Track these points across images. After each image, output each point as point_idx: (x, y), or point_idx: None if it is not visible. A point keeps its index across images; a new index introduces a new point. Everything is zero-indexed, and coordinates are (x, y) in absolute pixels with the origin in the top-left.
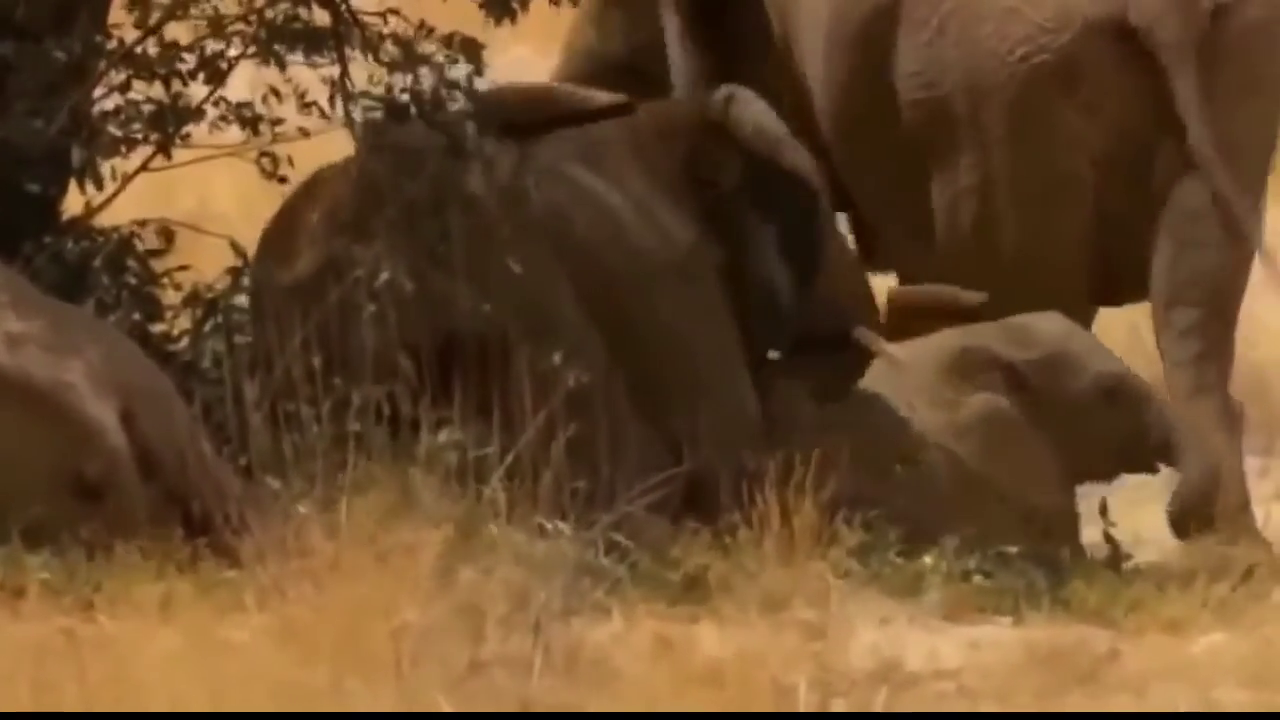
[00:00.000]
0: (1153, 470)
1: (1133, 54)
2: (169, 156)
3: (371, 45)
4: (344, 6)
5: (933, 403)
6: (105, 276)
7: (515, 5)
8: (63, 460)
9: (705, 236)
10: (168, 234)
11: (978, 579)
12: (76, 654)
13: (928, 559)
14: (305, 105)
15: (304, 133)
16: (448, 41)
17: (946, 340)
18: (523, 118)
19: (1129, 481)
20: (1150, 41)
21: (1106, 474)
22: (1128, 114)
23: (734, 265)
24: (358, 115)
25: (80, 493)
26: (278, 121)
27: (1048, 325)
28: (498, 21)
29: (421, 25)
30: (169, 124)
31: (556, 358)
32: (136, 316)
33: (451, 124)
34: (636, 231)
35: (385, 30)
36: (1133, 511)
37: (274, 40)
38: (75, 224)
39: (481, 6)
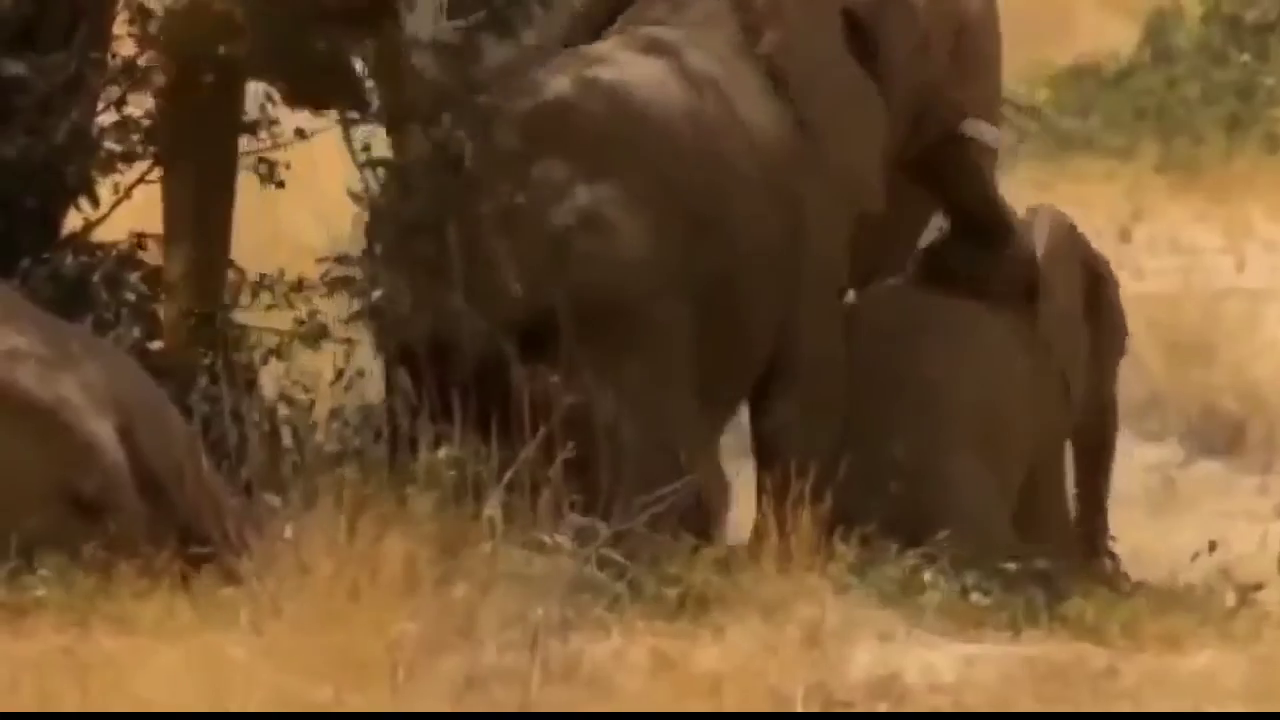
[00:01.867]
0: None
1: None
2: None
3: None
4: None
5: None
6: (104, 293)
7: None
8: (61, 477)
9: None
10: None
11: (975, 595)
12: (77, 672)
13: (926, 574)
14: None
15: (300, 134)
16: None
17: None
18: None
19: (1126, 498)
20: None
21: None
22: None
23: None
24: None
25: (78, 510)
26: (274, 122)
27: None
28: (500, 42)
29: None
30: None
31: (554, 379)
32: (136, 332)
33: (448, 136)
34: None
35: None
36: (1131, 528)
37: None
38: (74, 240)
39: (485, 28)
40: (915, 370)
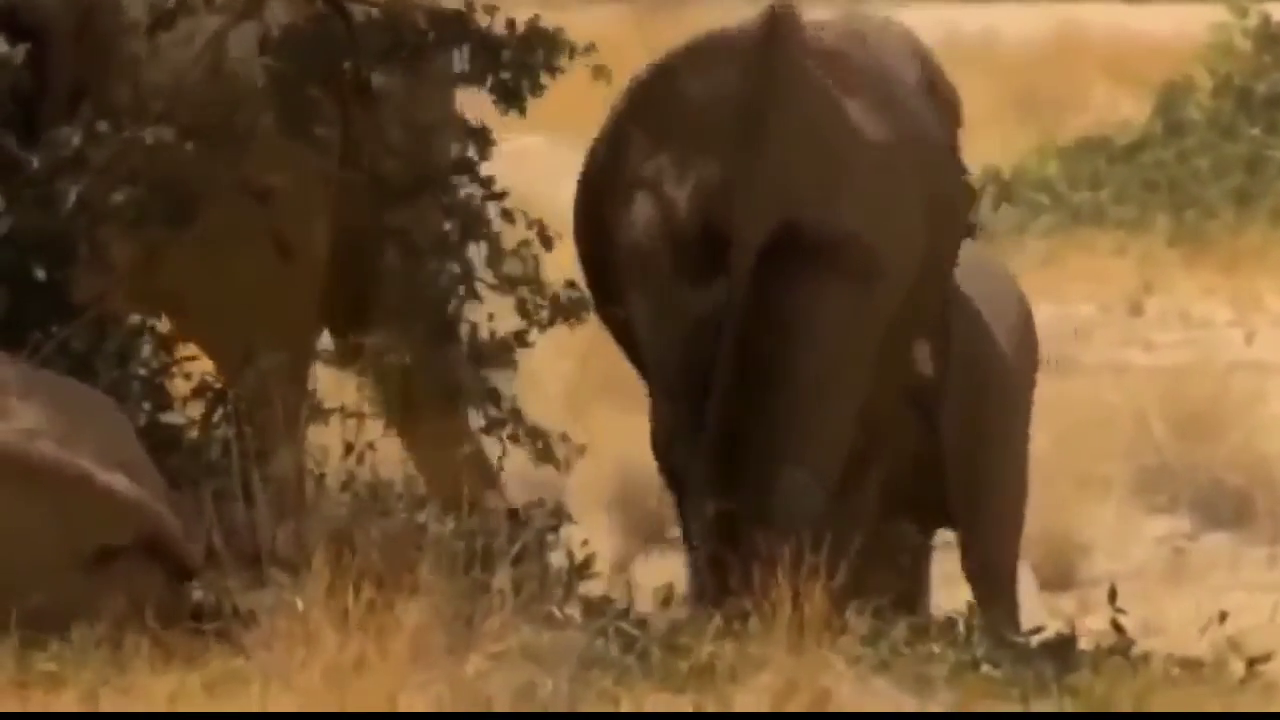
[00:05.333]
0: None
1: None
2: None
3: (379, 129)
4: (353, 93)
5: None
6: (114, 366)
7: (525, 95)
8: (76, 533)
9: None
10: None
11: (985, 666)
12: None
13: (935, 647)
14: None
15: None
16: (456, 127)
17: None
18: None
19: (1136, 570)
20: None
21: None
22: None
23: None
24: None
25: (94, 564)
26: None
27: None
28: (505, 111)
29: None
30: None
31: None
32: (146, 406)
33: (462, 206)
34: None
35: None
36: (1140, 599)
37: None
38: (83, 312)
39: (491, 90)
40: None
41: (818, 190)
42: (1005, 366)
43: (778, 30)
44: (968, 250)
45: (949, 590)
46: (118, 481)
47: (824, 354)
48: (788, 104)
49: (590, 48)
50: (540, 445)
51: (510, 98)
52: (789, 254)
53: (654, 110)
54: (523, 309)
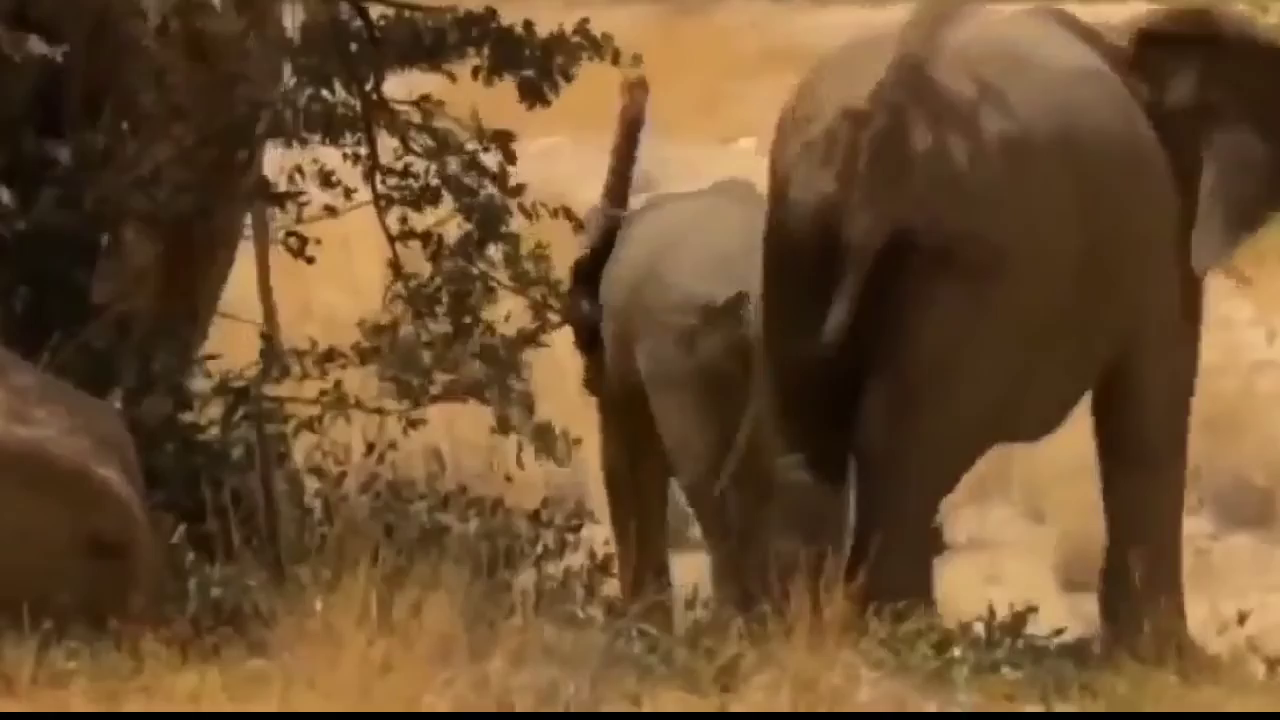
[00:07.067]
0: None
1: None
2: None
3: (401, 133)
4: (374, 95)
5: None
6: (135, 365)
7: (548, 90)
8: (82, 524)
9: None
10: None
11: (1006, 669)
12: None
13: (957, 650)
14: (329, 184)
15: (330, 210)
16: (479, 131)
17: None
18: None
19: None
20: None
21: None
22: None
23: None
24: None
25: (101, 552)
26: (301, 194)
27: None
28: (531, 105)
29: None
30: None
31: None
32: (167, 405)
33: (484, 208)
34: None
35: (417, 120)
36: None
37: (302, 128)
38: (104, 312)
39: (517, 88)
40: None
41: (931, 192)
42: None
43: (913, 35)
44: None
45: (979, 592)
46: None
47: (931, 356)
48: (907, 109)
49: (616, 52)
50: (544, 440)
51: (535, 94)
52: (905, 259)
53: (793, 115)
54: (537, 309)
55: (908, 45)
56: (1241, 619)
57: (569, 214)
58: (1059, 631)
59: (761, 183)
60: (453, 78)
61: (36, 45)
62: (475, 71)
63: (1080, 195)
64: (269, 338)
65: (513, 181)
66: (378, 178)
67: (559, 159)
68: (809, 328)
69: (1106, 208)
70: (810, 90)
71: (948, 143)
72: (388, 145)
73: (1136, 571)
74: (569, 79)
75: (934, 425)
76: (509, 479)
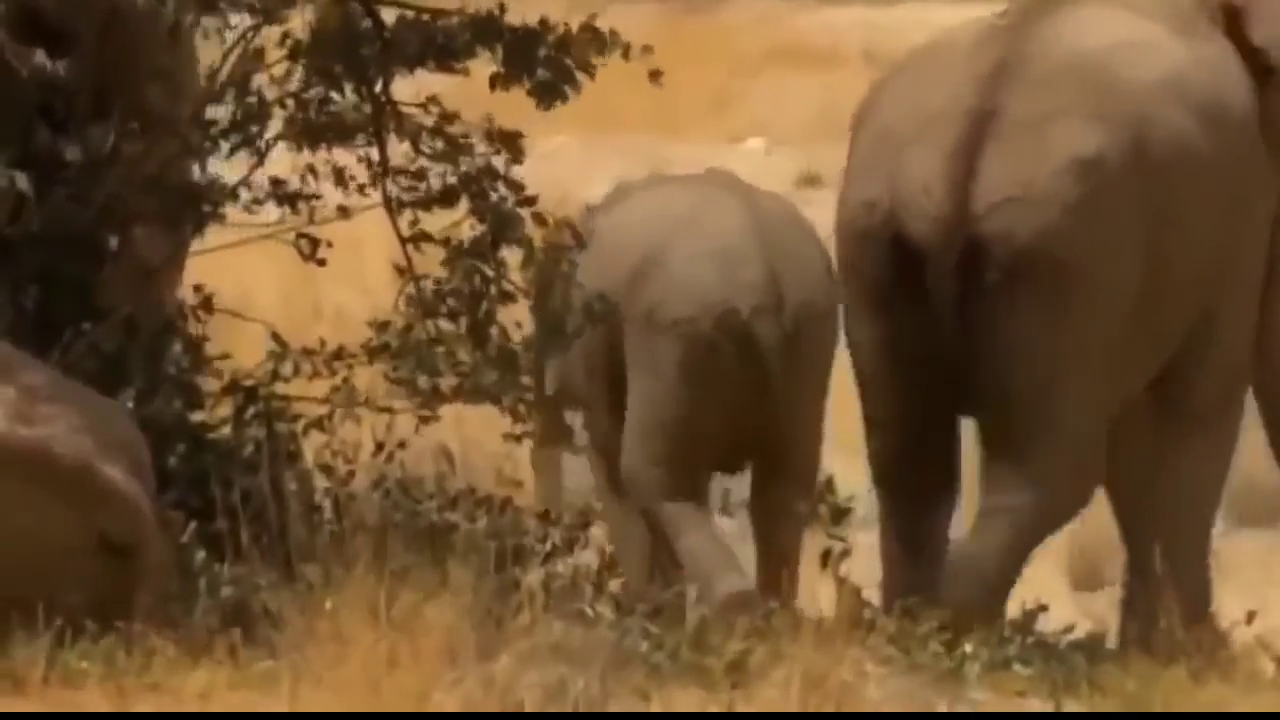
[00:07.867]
0: None
1: None
2: (202, 235)
3: (411, 135)
4: (383, 96)
5: None
6: (144, 365)
7: (564, 89)
8: (91, 524)
9: None
10: (208, 305)
11: (1017, 665)
12: None
13: (967, 647)
14: (341, 183)
15: (343, 211)
16: (488, 133)
17: None
18: None
19: None
20: None
21: None
22: None
23: None
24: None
25: (105, 552)
26: (312, 196)
27: None
28: (548, 106)
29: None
30: (205, 204)
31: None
32: (177, 404)
33: (496, 209)
34: None
35: (427, 123)
36: None
37: (311, 130)
38: (113, 311)
39: (530, 94)
40: None
41: (1003, 204)
42: None
43: (989, 40)
44: None
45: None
46: (129, 483)
47: (1028, 370)
48: (983, 115)
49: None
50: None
51: (549, 95)
52: (982, 270)
53: (867, 118)
54: (552, 315)
55: (990, 48)
56: (1250, 617)
57: (571, 227)
58: (1069, 629)
59: (770, 182)
60: (466, 72)
61: (41, 58)
62: (493, 81)
63: (1151, 212)
64: (278, 337)
65: (519, 180)
66: (388, 180)
67: (565, 159)
68: (889, 328)
69: (1178, 220)
70: (890, 90)
71: (1019, 152)
72: (398, 147)
73: (1163, 560)
74: (591, 74)
75: (1054, 440)
76: (519, 484)
